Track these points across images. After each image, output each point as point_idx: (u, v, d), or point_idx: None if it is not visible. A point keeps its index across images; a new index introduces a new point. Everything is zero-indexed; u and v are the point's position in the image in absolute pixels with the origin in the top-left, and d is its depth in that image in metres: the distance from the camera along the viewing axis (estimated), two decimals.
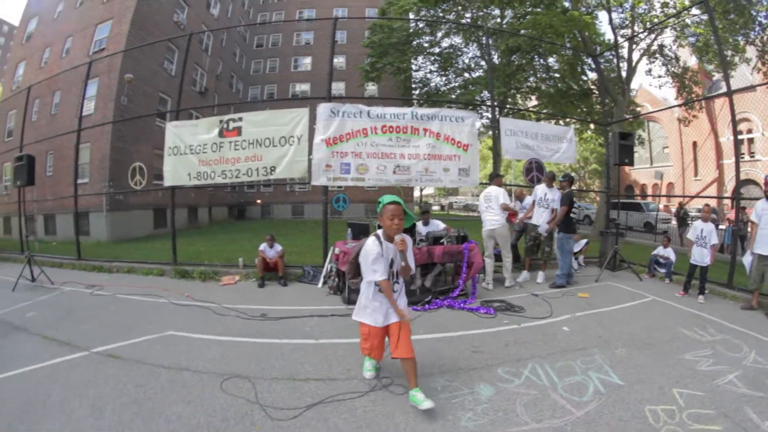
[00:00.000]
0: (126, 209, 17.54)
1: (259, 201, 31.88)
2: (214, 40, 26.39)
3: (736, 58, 14.86)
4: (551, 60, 18.67)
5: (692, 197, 20.78)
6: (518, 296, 6.85)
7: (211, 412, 3.16)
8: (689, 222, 17.33)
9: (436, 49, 20.69)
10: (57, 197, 15.82)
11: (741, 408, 3.24)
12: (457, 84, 20.68)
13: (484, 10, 18.31)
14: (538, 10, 15.80)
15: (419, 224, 7.46)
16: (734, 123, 7.76)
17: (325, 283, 7.44)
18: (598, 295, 7.01)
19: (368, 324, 3.38)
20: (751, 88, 9.46)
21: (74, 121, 12.79)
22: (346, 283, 6.55)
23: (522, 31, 15.85)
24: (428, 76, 21.57)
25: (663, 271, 8.51)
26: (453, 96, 19.56)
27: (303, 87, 33.16)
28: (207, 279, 8.15)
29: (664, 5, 14.59)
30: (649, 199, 26.82)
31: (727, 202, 22.69)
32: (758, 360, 4.20)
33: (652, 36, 15.69)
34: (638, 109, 20.18)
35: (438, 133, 8.59)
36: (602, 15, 16.17)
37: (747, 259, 6.66)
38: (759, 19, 13.77)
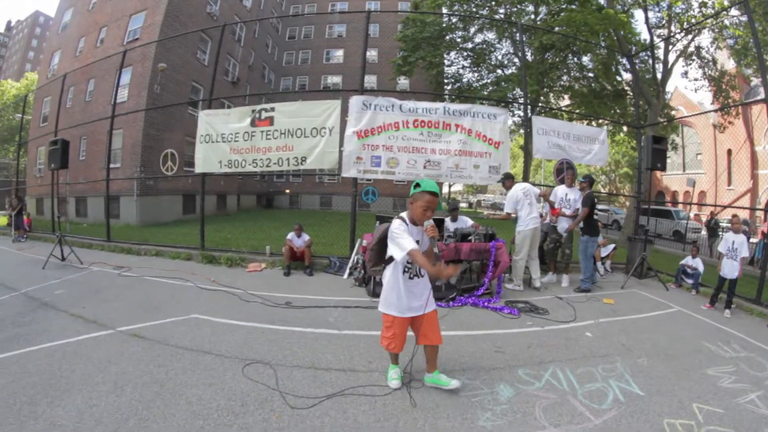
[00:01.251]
0: (156, 194, 17.87)
1: (287, 190, 32.08)
2: (246, 31, 26.58)
3: None
4: (585, 59, 18.29)
5: (724, 207, 20.06)
6: (543, 298, 6.67)
7: (232, 396, 3.14)
8: (720, 233, 16.70)
9: (469, 45, 20.42)
10: (89, 180, 16.25)
11: (761, 429, 3.11)
12: (489, 80, 20.40)
13: (518, 6, 18.00)
14: (573, 7, 15.41)
15: (447, 220, 7.37)
16: None
17: (350, 274, 7.43)
18: (623, 302, 6.80)
19: (392, 314, 3.25)
20: None
21: (107, 108, 13.14)
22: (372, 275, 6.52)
23: (556, 29, 15.50)
24: (460, 71, 21.31)
25: (690, 281, 8.13)
26: (485, 93, 19.26)
27: (335, 79, 33.26)
28: (233, 265, 8.21)
29: (703, 5, 13.93)
30: (680, 207, 26.00)
31: (760, 214, 21.87)
32: None
33: (689, 37, 15.05)
34: (673, 112, 19.50)
35: (470, 129, 8.52)
36: (638, 14, 15.60)
37: None
38: None
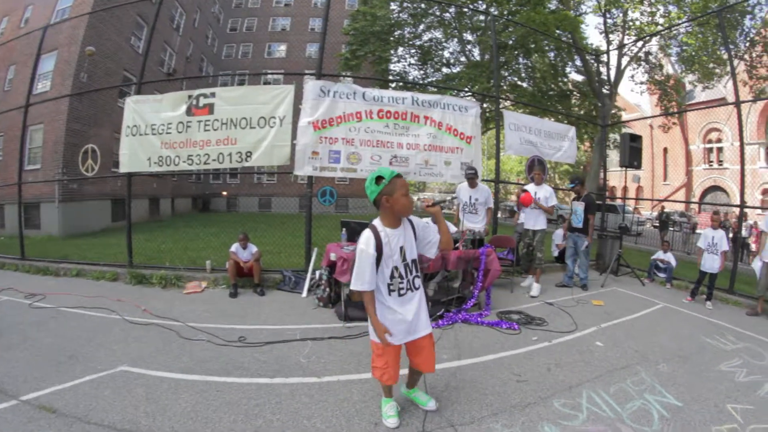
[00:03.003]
0: (81, 199, 15.57)
1: (224, 193, 29.70)
2: (186, 19, 24.32)
3: (717, 70, 15.12)
4: (531, 60, 18.22)
5: (661, 201, 20.80)
6: (533, 305, 6.25)
7: None
8: (670, 226, 17.23)
9: (417, 42, 19.71)
10: (3, 184, 13.98)
11: None
12: (435, 79, 19.71)
13: (470, 6, 17.51)
14: (524, 9, 15.19)
15: None
16: (741, 132, 7.88)
17: (311, 291, 6.29)
18: (610, 302, 6.73)
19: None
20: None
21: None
22: (341, 294, 5.44)
23: (510, 29, 15.21)
24: (407, 68, 20.47)
25: (663, 275, 8.49)
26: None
27: (276, 75, 31.30)
28: (168, 285, 6.73)
29: (652, 14, 14.71)
30: (619, 201, 27.02)
31: (695, 206, 23.09)
32: None
33: (639, 44, 15.75)
34: (619, 113, 20.03)
35: (440, 122, 7.71)
36: (587, 19, 16.22)
37: (756, 265, 6.75)
38: (751, 35, 13.97)
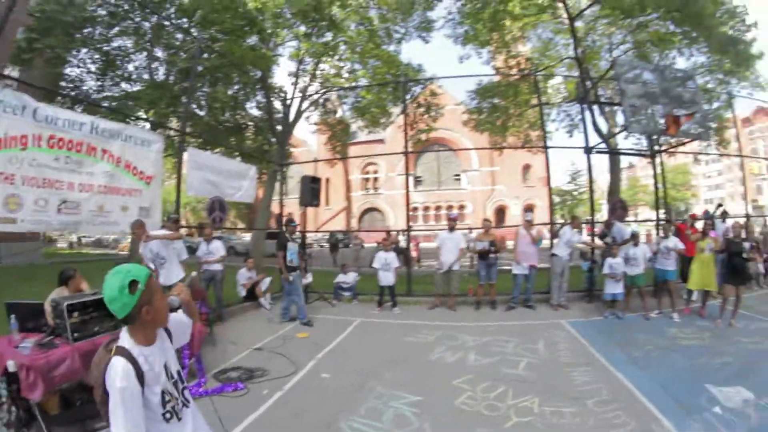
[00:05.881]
0: None
1: None
2: None
3: (382, 120, 18.03)
4: (213, 89, 17.83)
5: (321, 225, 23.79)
6: (243, 356, 5.65)
7: None
8: (340, 246, 19.69)
9: (105, 47, 15.56)
10: None
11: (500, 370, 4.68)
12: (112, 93, 16.21)
13: (174, 22, 15.58)
14: (227, 38, 14.60)
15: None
16: (548, 167, 11.71)
17: None
18: (313, 331, 6.85)
19: None
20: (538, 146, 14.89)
21: None
22: (33, 411, 3.72)
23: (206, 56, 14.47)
24: (84, 76, 16.10)
25: (348, 293, 9.44)
26: (106, 105, 15.50)
27: None
28: None
29: (339, 68, 16.97)
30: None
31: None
32: (474, 340, 5.80)
33: (321, 91, 17.52)
34: (292, 150, 21.63)
35: (119, 157, 6.25)
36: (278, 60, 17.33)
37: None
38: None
